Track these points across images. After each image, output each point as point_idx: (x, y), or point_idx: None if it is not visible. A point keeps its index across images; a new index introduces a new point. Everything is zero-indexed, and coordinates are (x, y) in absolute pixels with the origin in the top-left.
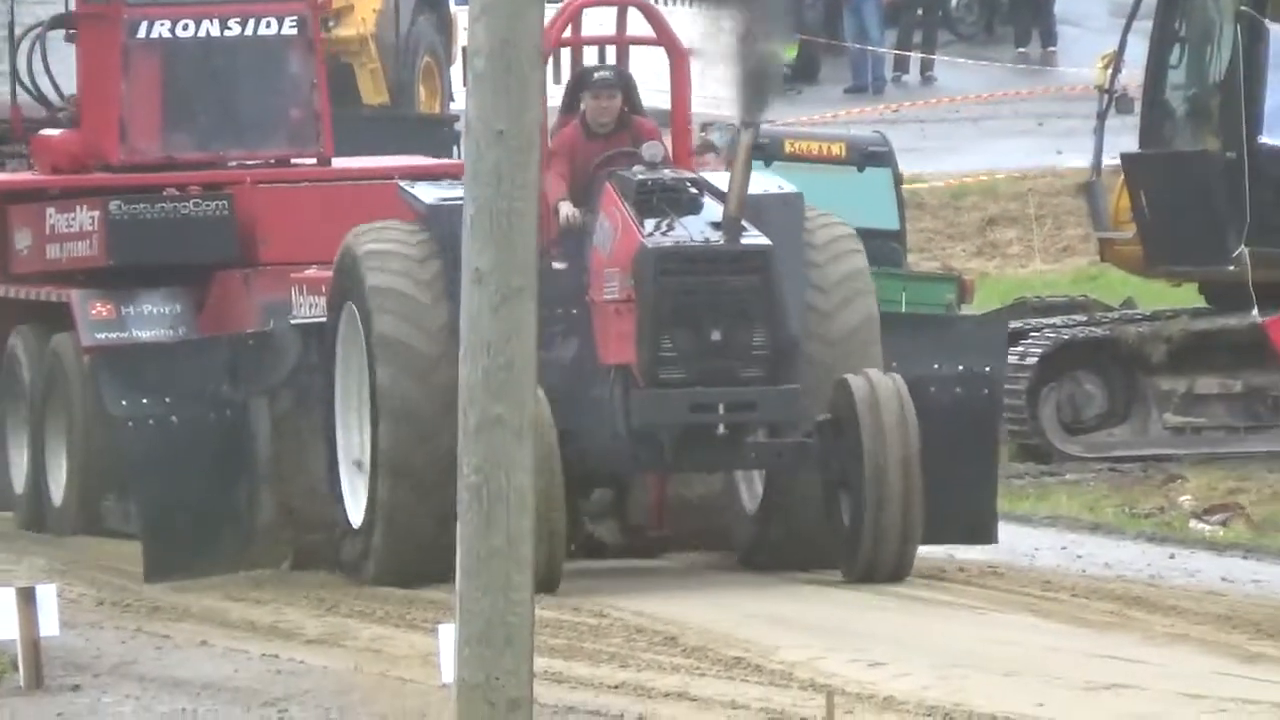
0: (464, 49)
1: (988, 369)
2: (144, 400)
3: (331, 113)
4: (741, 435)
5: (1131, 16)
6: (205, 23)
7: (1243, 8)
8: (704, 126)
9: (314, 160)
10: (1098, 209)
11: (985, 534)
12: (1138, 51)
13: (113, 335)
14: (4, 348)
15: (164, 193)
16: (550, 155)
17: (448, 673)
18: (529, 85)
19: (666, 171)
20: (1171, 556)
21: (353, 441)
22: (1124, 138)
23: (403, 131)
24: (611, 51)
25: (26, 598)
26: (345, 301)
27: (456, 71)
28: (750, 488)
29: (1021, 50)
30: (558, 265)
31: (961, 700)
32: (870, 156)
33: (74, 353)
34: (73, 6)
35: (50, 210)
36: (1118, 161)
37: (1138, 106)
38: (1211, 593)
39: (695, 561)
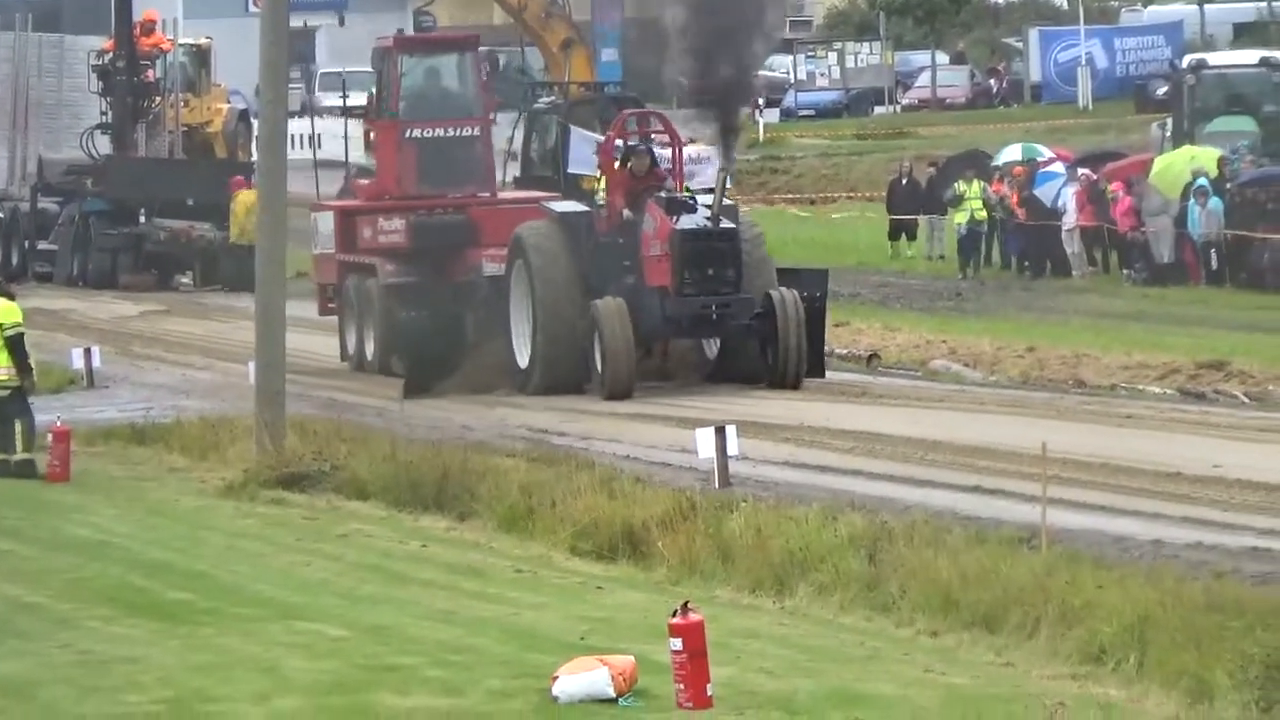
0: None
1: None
2: (413, 312)
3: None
4: (724, 318)
5: None
6: (443, 129)
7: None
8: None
9: (489, 194)
10: None
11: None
12: None
13: (398, 280)
14: (344, 286)
15: (449, 209)
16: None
17: (252, 378)
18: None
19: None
20: None
21: (521, 325)
22: None
23: (234, 170)
24: None
25: None
26: (516, 261)
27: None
28: (712, 346)
29: None
30: (621, 240)
31: None
32: None
33: (378, 288)
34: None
35: (380, 219)
36: None
37: None
38: None
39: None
